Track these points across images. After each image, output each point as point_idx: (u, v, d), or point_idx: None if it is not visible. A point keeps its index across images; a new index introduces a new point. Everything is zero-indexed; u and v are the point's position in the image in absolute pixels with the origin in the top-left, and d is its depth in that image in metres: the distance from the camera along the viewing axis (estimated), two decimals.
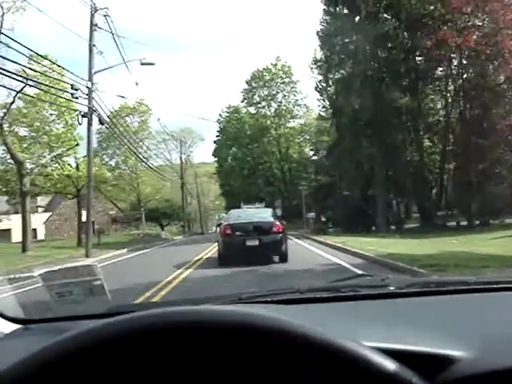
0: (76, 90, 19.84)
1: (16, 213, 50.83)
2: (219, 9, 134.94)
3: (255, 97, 58.73)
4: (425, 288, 1.93)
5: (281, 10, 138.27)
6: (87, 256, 21.06)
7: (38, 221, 55.75)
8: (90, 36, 21.23)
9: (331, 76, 38.21)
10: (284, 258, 14.11)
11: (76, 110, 23.42)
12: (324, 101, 45.86)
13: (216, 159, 63.91)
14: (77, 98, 20.39)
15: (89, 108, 20.73)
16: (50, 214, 58.80)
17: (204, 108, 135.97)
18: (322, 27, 36.02)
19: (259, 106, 58.75)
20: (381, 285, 2.01)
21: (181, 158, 65.25)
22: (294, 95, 58.42)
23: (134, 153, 39.22)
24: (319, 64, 43.46)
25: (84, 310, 1.78)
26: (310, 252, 17.86)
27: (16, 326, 1.69)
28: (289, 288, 2.02)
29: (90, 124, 21.08)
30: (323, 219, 35.78)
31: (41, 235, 55.00)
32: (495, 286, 1.82)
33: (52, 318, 1.81)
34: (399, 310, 1.63)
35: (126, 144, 36.42)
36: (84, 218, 26.34)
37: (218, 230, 17.05)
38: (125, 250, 26.15)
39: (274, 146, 58.08)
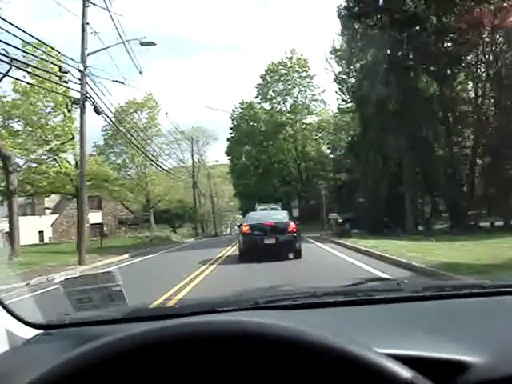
0: (65, 72, 17.23)
1: (24, 214, 48.76)
2: (229, 7, 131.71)
3: (270, 92, 55.74)
4: (440, 292, 1.89)
5: (291, 5, 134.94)
6: (80, 263, 18.47)
7: (45, 223, 53.57)
8: (83, 12, 18.59)
9: (352, 67, 35.63)
10: (298, 255, 15.57)
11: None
12: (343, 93, 43.13)
13: (229, 158, 61.04)
14: (66, 82, 17.78)
15: (81, 94, 18.12)
16: (57, 215, 56.42)
17: (218, 106, 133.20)
18: (342, 12, 33.28)
19: (274, 101, 55.83)
20: (396, 289, 2.02)
21: (192, 156, 62.85)
22: (311, 90, 55.42)
23: (141, 151, 36.73)
24: (338, 54, 40.78)
25: (102, 315, 1.83)
26: (339, 260, 14.95)
27: (36, 332, 1.69)
28: (305, 292, 2.02)
29: (82, 112, 18.44)
30: (340, 220, 32.97)
31: (48, 238, 52.83)
32: (510, 289, 1.78)
33: (71, 324, 1.79)
34: (414, 315, 1.60)
35: (131, 141, 33.94)
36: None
37: (238, 230, 18.48)
38: (127, 256, 23.66)
39: (290, 144, 55.10)
